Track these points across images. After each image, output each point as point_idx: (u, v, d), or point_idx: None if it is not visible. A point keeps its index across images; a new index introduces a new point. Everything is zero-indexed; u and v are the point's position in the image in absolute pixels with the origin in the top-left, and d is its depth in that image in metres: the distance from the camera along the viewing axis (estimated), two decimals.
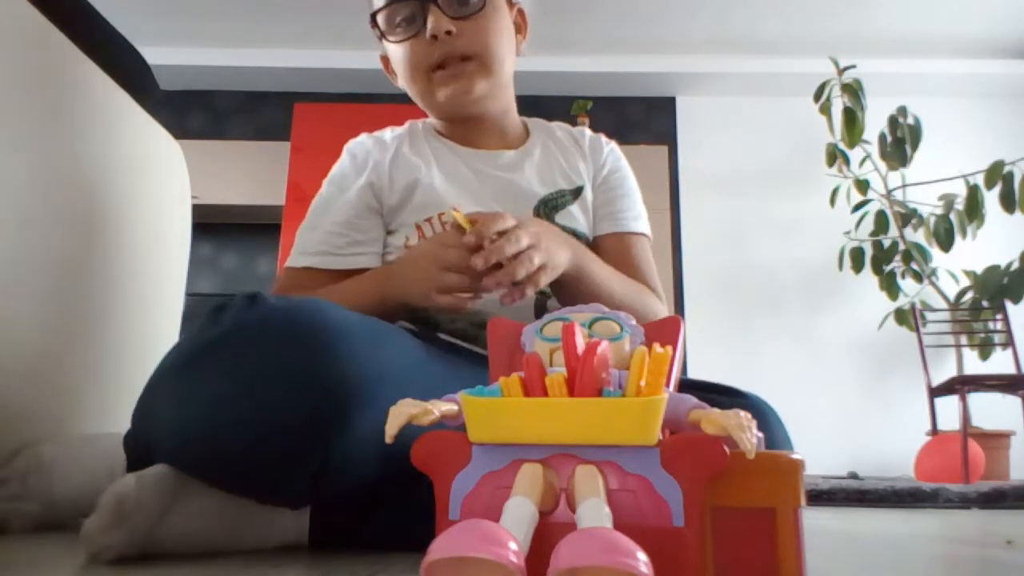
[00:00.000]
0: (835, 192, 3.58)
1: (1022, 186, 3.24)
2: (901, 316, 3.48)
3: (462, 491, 0.37)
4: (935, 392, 3.03)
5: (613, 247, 0.95)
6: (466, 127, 0.97)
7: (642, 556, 0.28)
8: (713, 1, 3.47)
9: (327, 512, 0.64)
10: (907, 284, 3.53)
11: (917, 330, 3.14)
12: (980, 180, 3.34)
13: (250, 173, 3.69)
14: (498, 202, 0.90)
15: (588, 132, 1.04)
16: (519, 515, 0.33)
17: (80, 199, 0.95)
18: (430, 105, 0.95)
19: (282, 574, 0.49)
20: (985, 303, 3.30)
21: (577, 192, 0.96)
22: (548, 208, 0.93)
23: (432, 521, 0.37)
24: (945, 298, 3.41)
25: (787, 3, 3.46)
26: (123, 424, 0.68)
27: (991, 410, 3.14)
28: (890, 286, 3.52)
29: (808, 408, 3.34)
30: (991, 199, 3.32)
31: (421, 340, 0.71)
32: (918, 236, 3.54)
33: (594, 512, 0.32)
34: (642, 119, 4.05)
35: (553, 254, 0.74)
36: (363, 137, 0.99)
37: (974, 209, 3.34)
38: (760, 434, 0.39)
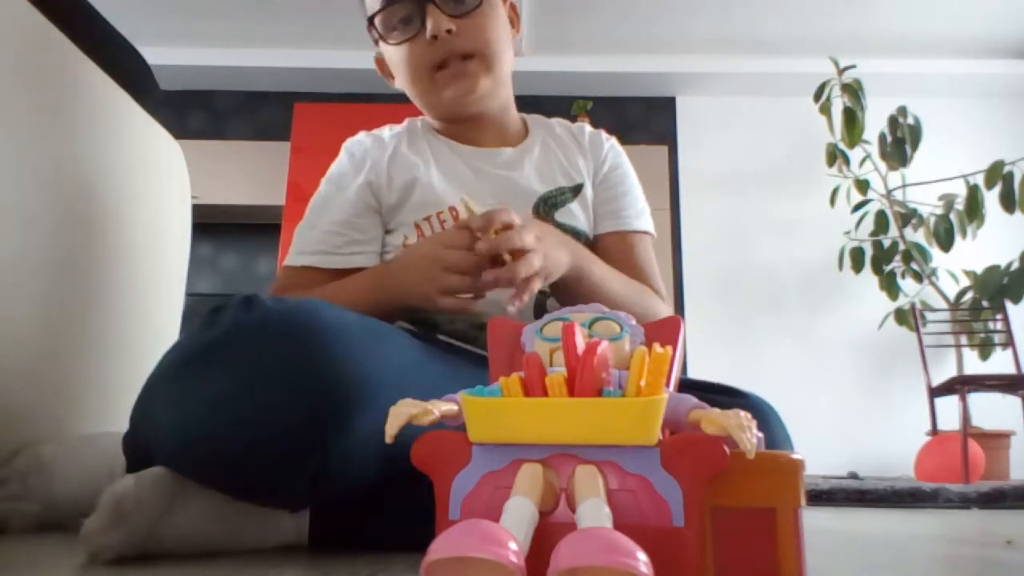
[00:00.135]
0: (835, 192, 3.58)
1: (1022, 186, 3.24)
2: (901, 316, 3.48)
3: (462, 491, 0.37)
4: (935, 392, 3.03)
5: (614, 246, 0.94)
6: (465, 125, 0.96)
7: (642, 556, 0.28)
8: (713, 1, 3.47)
9: (327, 513, 0.64)
10: (907, 284, 3.53)
11: (917, 330, 3.14)
12: (980, 180, 3.34)
13: (250, 173, 3.69)
14: (497, 200, 0.89)
15: (588, 128, 1.04)
16: (519, 515, 0.33)
17: (80, 199, 0.95)
18: (432, 105, 0.95)
19: (282, 574, 0.49)
20: (985, 303, 3.30)
21: (577, 190, 0.96)
22: (548, 206, 0.93)
23: (432, 521, 0.37)
24: (945, 298, 3.41)
25: (787, 3, 3.46)
26: (123, 424, 0.68)
27: (991, 410, 3.14)
28: (890, 286, 3.52)
29: (808, 408, 3.34)
30: (991, 199, 3.32)
31: (420, 340, 0.71)
32: (918, 236, 3.54)
33: (594, 512, 0.32)
34: (642, 119, 4.05)
35: (552, 258, 0.74)
36: (361, 136, 0.99)
37: (974, 209, 3.34)
38: (760, 434, 0.39)
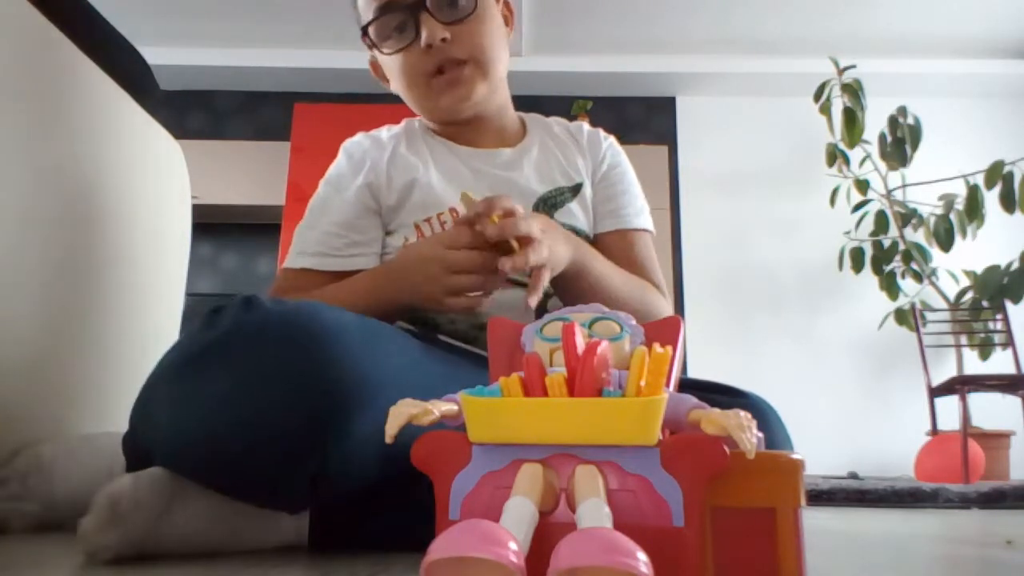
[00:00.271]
0: (835, 192, 3.58)
1: (1022, 186, 3.25)
2: (901, 316, 3.48)
3: (462, 491, 0.37)
4: (935, 392, 3.04)
5: (615, 245, 0.94)
6: (463, 127, 0.96)
7: (642, 556, 0.28)
8: (713, 1, 3.47)
9: (327, 513, 0.64)
10: (907, 284, 3.53)
11: (917, 330, 3.14)
12: (980, 180, 3.34)
13: (250, 173, 3.69)
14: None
15: (586, 127, 1.04)
16: (519, 515, 0.33)
17: (80, 199, 0.95)
18: (429, 110, 0.95)
19: (282, 574, 0.49)
20: (985, 303, 3.30)
21: (576, 189, 0.96)
22: (547, 206, 0.93)
23: (432, 521, 0.37)
24: (945, 298, 3.41)
25: (787, 3, 3.46)
26: (123, 424, 0.68)
27: (991, 410, 3.14)
28: (890, 286, 3.52)
29: (808, 408, 3.34)
30: (991, 199, 3.32)
31: (420, 340, 0.71)
32: (918, 236, 3.55)
33: (594, 512, 0.32)
34: (642, 119, 4.05)
35: (556, 251, 0.74)
36: (360, 136, 0.98)
37: (974, 209, 3.34)
38: (760, 434, 0.39)
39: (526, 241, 0.69)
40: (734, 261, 3.81)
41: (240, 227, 3.82)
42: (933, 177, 3.56)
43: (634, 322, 0.45)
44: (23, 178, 0.84)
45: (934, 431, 3.05)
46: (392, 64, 0.92)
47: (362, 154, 0.95)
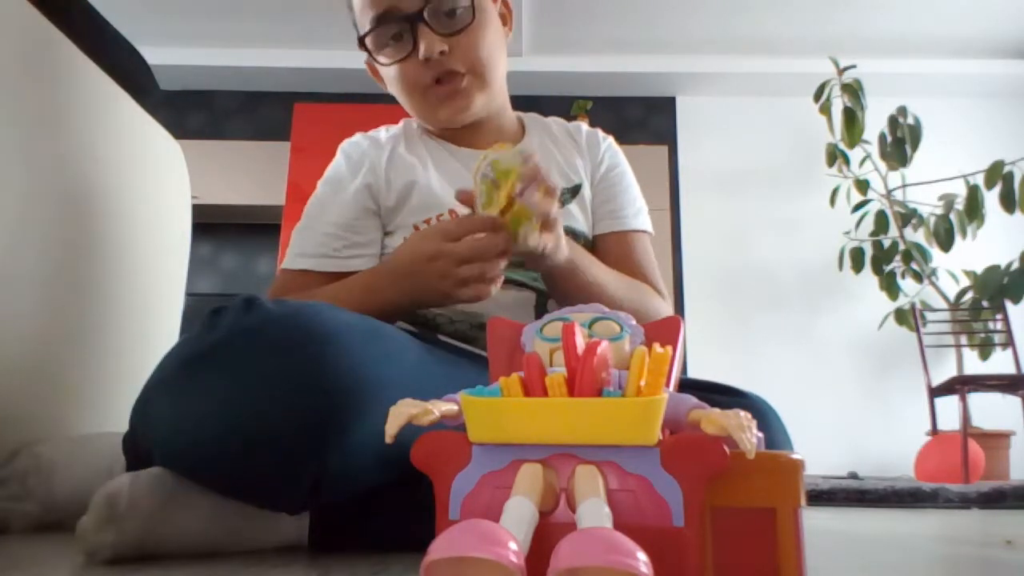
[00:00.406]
0: (835, 192, 3.58)
1: (1022, 186, 3.25)
2: (901, 316, 3.48)
3: (462, 491, 0.37)
4: (935, 392, 3.04)
5: (614, 246, 0.94)
6: (461, 130, 0.96)
7: (642, 556, 0.28)
8: (713, 1, 3.47)
9: (327, 513, 0.64)
10: (907, 284, 3.53)
11: (917, 330, 3.14)
12: (980, 180, 3.34)
13: (250, 173, 3.69)
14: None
15: (584, 127, 1.03)
16: (519, 515, 0.33)
17: (80, 199, 0.95)
18: (427, 119, 0.94)
19: (282, 574, 0.49)
20: (985, 303, 3.30)
21: (575, 191, 0.96)
22: None
23: (432, 521, 0.37)
24: (945, 298, 3.41)
25: (787, 3, 3.46)
26: (123, 424, 0.68)
27: (991, 410, 3.14)
28: (890, 286, 3.52)
29: (808, 408, 3.34)
30: (991, 199, 3.32)
31: (421, 341, 0.71)
32: (918, 236, 3.55)
33: (594, 512, 0.32)
34: (642, 119, 4.05)
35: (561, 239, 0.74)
36: (358, 137, 0.98)
37: (974, 209, 3.34)
38: (760, 434, 0.39)
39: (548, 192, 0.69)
40: (734, 261, 3.81)
41: (240, 227, 3.82)
42: (933, 177, 3.56)
43: (634, 322, 0.45)
44: (23, 178, 0.84)
45: (934, 431, 3.05)
46: (389, 73, 0.91)
47: (360, 155, 0.94)
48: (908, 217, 3.55)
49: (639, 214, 0.98)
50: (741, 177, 3.91)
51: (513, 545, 0.29)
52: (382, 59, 0.89)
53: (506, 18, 0.96)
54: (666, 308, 0.92)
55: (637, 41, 3.78)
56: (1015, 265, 3.31)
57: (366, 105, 3.54)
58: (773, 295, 3.77)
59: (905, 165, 3.52)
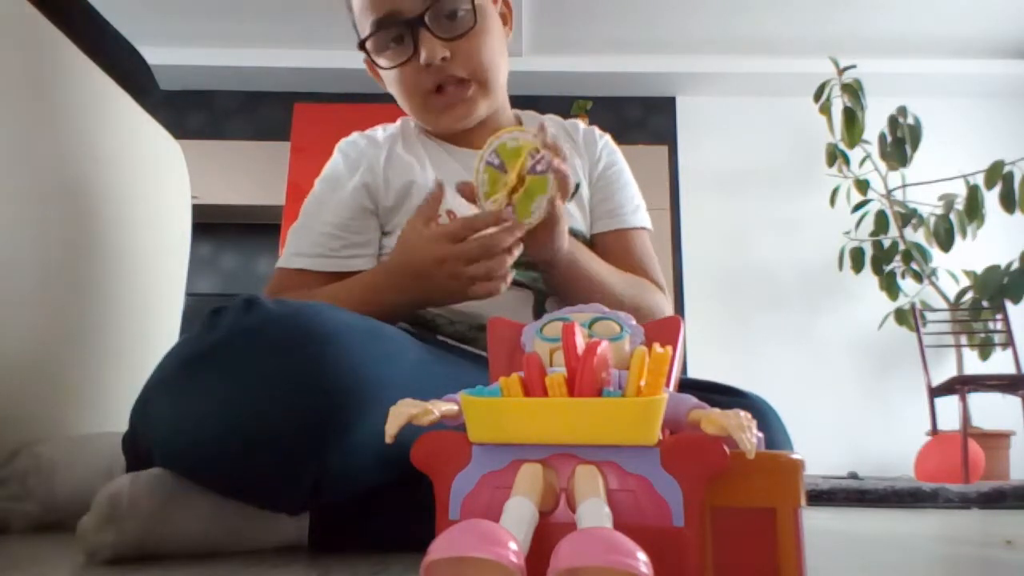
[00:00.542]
0: (835, 192, 3.58)
1: (1022, 186, 3.25)
2: (901, 316, 3.48)
3: (462, 491, 0.37)
4: (935, 392, 3.04)
5: (613, 245, 0.94)
6: (460, 130, 0.96)
7: (642, 556, 0.28)
8: (713, 1, 3.47)
9: (327, 513, 0.64)
10: (907, 284, 3.53)
11: (917, 330, 3.15)
12: (980, 180, 3.34)
13: (250, 173, 3.70)
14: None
15: (581, 125, 1.03)
16: (519, 515, 0.33)
17: (80, 199, 0.95)
18: (427, 123, 0.94)
19: (282, 574, 0.49)
20: (985, 303, 3.30)
21: (574, 190, 0.96)
22: None
23: (432, 521, 0.37)
24: (945, 298, 3.41)
25: (787, 3, 3.46)
26: (123, 424, 0.68)
27: (991, 410, 3.14)
28: (890, 286, 3.52)
29: (808, 408, 3.35)
30: (991, 199, 3.32)
31: (421, 341, 0.71)
32: (918, 236, 3.55)
33: (594, 512, 0.32)
34: (642, 119, 4.05)
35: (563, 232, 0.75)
36: (355, 136, 0.97)
37: (974, 209, 3.34)
38: (760, 434, 0.39)
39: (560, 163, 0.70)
40: (734, 261, 3.81)
41: (240, 227, 3.82)
42: (933, 177, 3.56)
43: (634, 322, 0.45)
44: (23, 178, 0.84)
45: (934, 431, 3.05)
46: (389, 76, 0.90)
47: (358, 154, 0.94)
48: (908, 217, 3.55)
49: (638, 211, 0.98)
50: (741, 177, 3.91)
51: (513, 545, 0.29)
52: (382, 62, 0.88)
53: (506, 17, 0.96)
54: (667, 303, 0.92)
55: (637, 41, 3.78)
56: (1015, 265, 3.31)
57: (366, 105, 3.54)
58: (773, 295, 3.77)
59: (905, 165, 3.52)
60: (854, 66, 3.42)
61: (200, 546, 0.58)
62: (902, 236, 3.50)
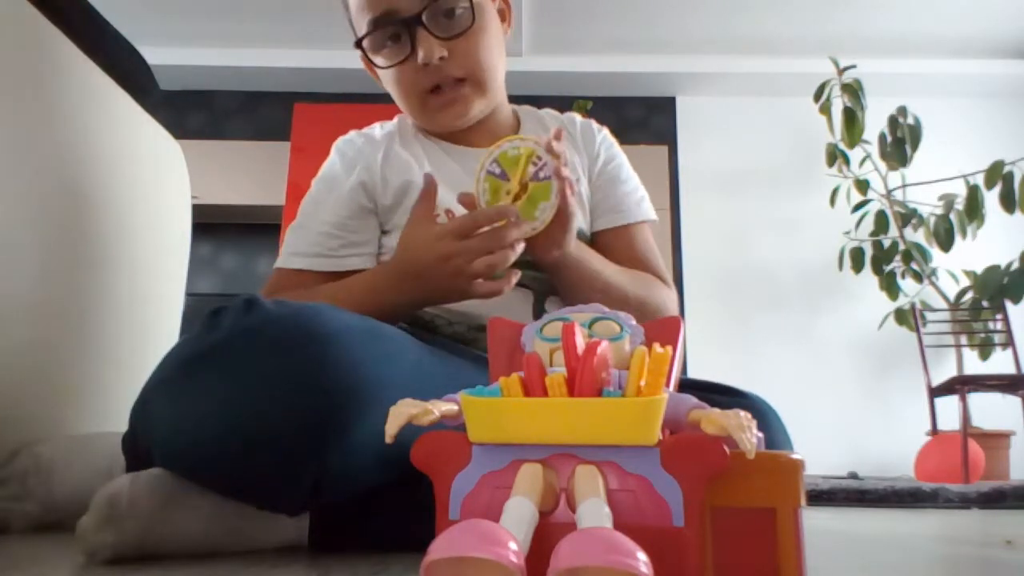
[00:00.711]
0: (835, 192, 3.58)
1: (1022, 186, 3.25)
2: (901, 316, 3.48)
3: (462, 491, 0.37)
4: (935, 392, 3.04)
5: (616, 241, 0.93)
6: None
7: (642, 556, 0.28)
8: (713, 1, 3.47)
9: (327, 513, 0.64)
10: (907, 284, 3.53)
11: (917, 330, 3.15)
12: (980, 180, 3.34)
13: (250, 173, 3.70)
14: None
15: (578, 119, 1.02)
16: (519, 515, 0.33)
17: (80, 199, 0.95)
18: (425, 124, 0.93)
19: (282, 574, 0.49)
20: (985, 303, 3.30)
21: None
22: None
23: (432, 521, 0.37)
24: (945, 298, 3.41)
25: (787, 3, 3.46)
26: (123, 424, 0.68)
27: (991, 410, 3.14)
28: (890, 286, 3.52)
29: (808, 408, 3.34)
30: (991, 199, 3.33)
31: (421, 341, 0.71)
32: (918, 236, 3.55)
33: (594, 512, 0.32)
34: (642, 119, 4.05)
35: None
36: (352, 135, 0.96)
37: (974, 209, 3.34)
38: (760, 434, 0.39)
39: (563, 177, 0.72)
40: (734, 261, 3.81)
41: (240, 227, 3.82)
42: (933, 177, 3.56)
43: (634, 322, 0.45)
44: (22, 178, 0.84)
45: (934, 431, 3.05)
46: (387, 76, 0.90)
47: (355, 153, 0.93)
48: (908, 217, 3.55)
49: (641, 203, 0.97)
50: (741, 177, 3.91)
51: (513, 545, 0.29)
52: (379, 61, 0.88)
53: (505, 14, 0.95)
54: (672, 297, 0.92)
55: (637, 41, 3.78)
56: (1015, 265, 3.31)
57: (366, 105, 3.54)
58: (773, 295, 3.77)
59: (905, 165, 3.52)
60: (854, 66, 3.42)
61: (200, 546, 0.58)
62: (902, 236, 3.50)
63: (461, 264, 0.70)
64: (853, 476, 2.92)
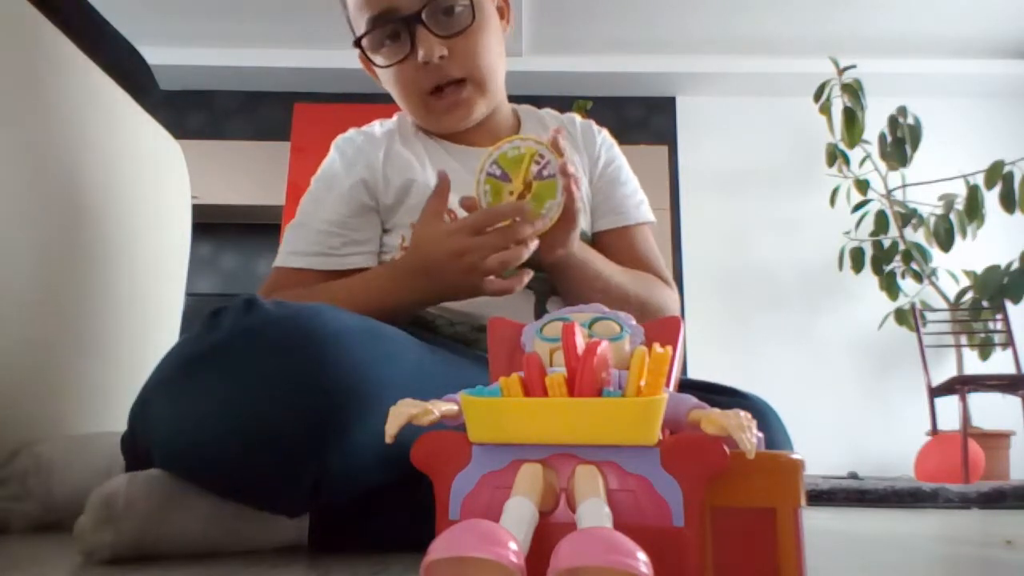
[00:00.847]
0: (835, 192, 3.58)
1: (1022, 186, 3.25)
2: (901, 316, 3.48)
3: (462, 491, 0.37)
4: (935, 392, 3.04)
5: (617, 242, 0.93)
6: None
7: (642, 556, 0.28)
8: (713, 1, 3.47)
9: (327, 513, 0.64)
10: (907, 284, 3.53)
11: (917, 330, 3.15)
12: (980, 180, 3.34)
13: (250, 173, 3.70)
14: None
15: (578, 119, 1.02)
16: (519, 515, 0.33)
17: (80, 199, 0.95)
18: (426, 125, 0.93)
19: (282, 574, 0.49)
20: (985, 303, 3.30)
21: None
22: None
23: (432, 521, 0.37)
24: (945, 298, 3.41)
25: (787, 3, 3.46)
26: (123, 424, 0.68)
27: (991, 410, 3.14)
28: (890, 286, 3.52)
29: (808, 408, 3.34)
30: (991, 199, 3.32)
31: (421, 341, 0.71)
32: (918, 236, 3.55)
33: (594, 512, 0.32)
34: (642, 119, 4.05)
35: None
36: (352, 132, 0.96)
37: (974, 209, 3.34)
38: (760, 434, 0.39)
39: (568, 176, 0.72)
40: (734, 261, 3.81)
41: (240, 227, 3.82)
42: (933, 177, 3.56)
43: (634, 322, 0.45)
44: (22, 178, 0.84)
45: (934, 431, 3.05)
46: (386, 75, 0.89)
47: (355, 151, 0.92)
48: (908, 217, 3.55)
49: (640, 205, 0.97)
50: (741, 177, 3.91)
51: (513, 545, 0.29)
52: (378, 60, 0.88)
53: (504, 11, 0.94)
54: (673, 297, 0.92)
55: (637, 41, 3.78)
56: (1015, 265, 3.31)
57: (366, 105, 3.54)
58: (773, 295, 3.77)
59: (905, 165, 3.52)
60: (854, 66, 3.42)
61: (199, 546, 0.57)
62: (902, 236, 3.50)
63: (474, 260, 0.70)
64: (853, 476, 2.92)
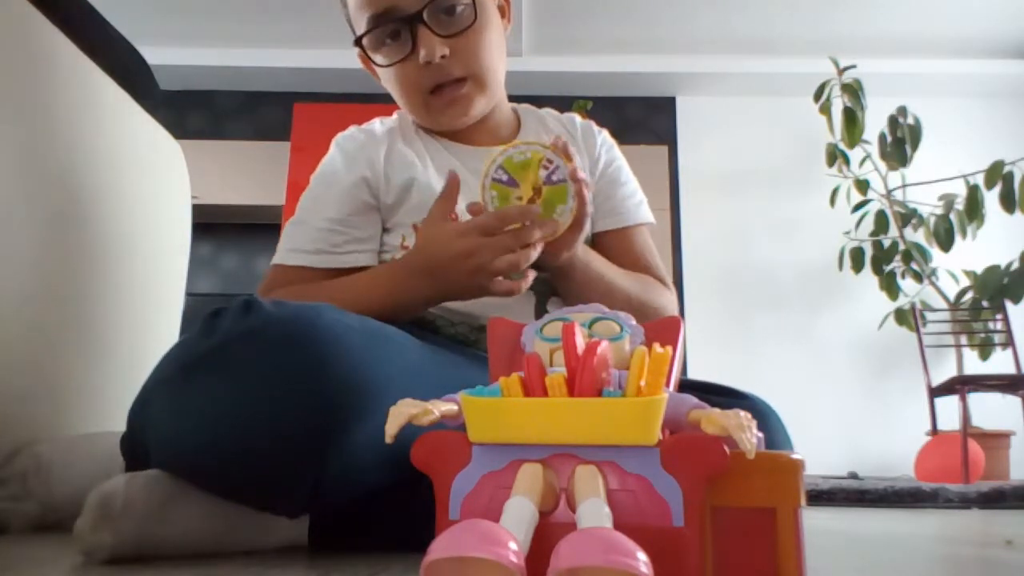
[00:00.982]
0: (835, 192, 3.58)
1: (1022, 186, 3.25)
2: (901, 316, 3.48)
3: (462, 491, 0.37)
4: (935, 392, 3.04)
5: (616, 243, 0.93)
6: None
7: (642, 556, 0.28)
8: (713, 1, 3.47)
9: (327, 514, 0.64)
10: (907, 284, 3.53)
11: (917, 330, 3.14)
12: (980, 180, 3.34)
13: (250, 173, 3.70)
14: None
15: (578, 120, 1.02)
16: (519, 515, 0.33)
17: (80, 199, 0.95)
18: (426, 123, 0.93)
19: (282, 574, 0.49)
20: (985, 303, 3.30)
21: None
22: None
23: (432, 521, 0.37)
24: (945, 298, 3.41)
25: (787, 3, 3.46)
26: (122, 424, 0.68)
27: (991, 410, 3.14)
28: (890, 286, 3.52)
29: (808, 408, 3.35)
30: (991, 199, 3.32)
31: (421, 341, 0.71)
32: (918, 236, 3.55)
33: (594, 512, 0.32)
34: (642, 119, 4.05)
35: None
36: (352, 130, 0.95)
37: (974, 209, 3.34)
38: (760, 434, 0.39)
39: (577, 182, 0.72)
40: (734, 261, 3.81)
41: (240, 227, 3.82)
42: (933, 177, 3.56)
43: (634, 322, 0.45)
44: (22, 178, 0.84)
45: (934, 431, 3.05)
46: (386, 74, 0.89)
47: (356, 148, 0.92)
48: (908, 217, 3.55)
49: (640, 205, 0.97)
50: (741, 177, 3.91)
51: (513, 545, 0.29)
52: (379, 59, 0.87)
53: (504, 10, 0.94)
54: (672, 299, 0.92)
55: (637, 41, 3.78)
56: (1015, 265, 3.31)
57: (366, 105, 3.54)
58: (773, 295, 3.77)
59: (905, 165, 3.52)
60: (854, 66, 3.42)
61: (198, 547, 0.57)
62: (902, 236, 3.50)
63: (483, 261, 0.70)
64: (853, 476, 2.92)
